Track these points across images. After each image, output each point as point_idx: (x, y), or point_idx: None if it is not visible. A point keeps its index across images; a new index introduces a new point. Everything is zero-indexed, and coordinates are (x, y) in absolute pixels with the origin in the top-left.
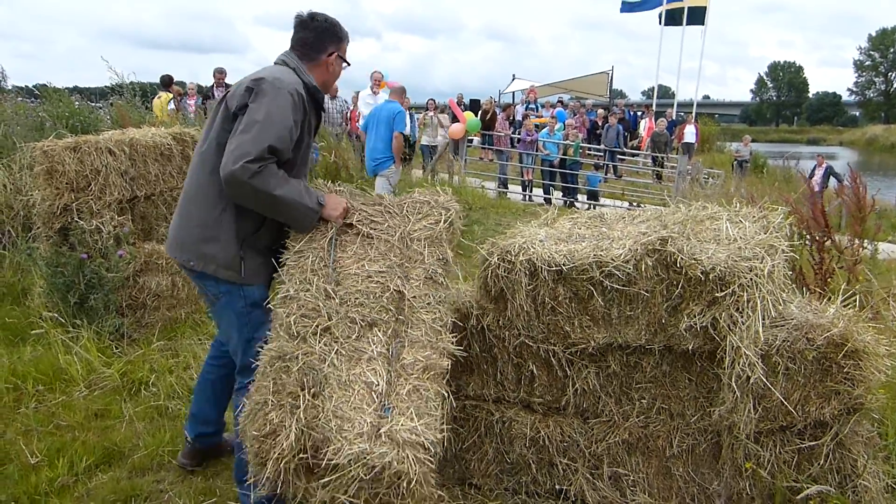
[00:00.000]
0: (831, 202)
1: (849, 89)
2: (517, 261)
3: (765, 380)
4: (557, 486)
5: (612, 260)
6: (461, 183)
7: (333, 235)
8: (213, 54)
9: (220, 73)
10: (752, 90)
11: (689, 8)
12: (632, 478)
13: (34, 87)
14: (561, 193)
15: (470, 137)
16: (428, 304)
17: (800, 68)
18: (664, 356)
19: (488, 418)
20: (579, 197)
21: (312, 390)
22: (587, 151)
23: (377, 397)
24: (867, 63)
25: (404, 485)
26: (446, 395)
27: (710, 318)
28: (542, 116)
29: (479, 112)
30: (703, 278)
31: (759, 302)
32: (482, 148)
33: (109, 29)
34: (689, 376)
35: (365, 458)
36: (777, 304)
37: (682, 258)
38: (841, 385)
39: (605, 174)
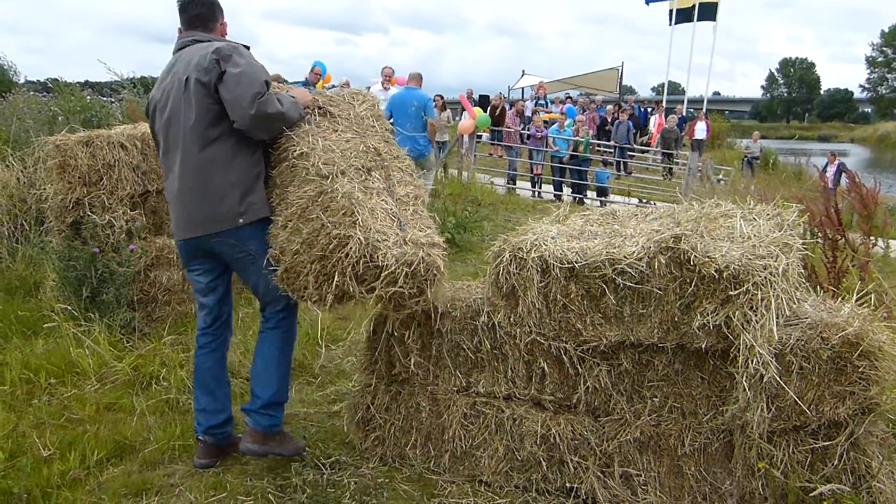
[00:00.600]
0: (843, 200)
1: (861, 86)
2: (529, 258)
3: (778, 379)
4: (568, 484)
5: (625, 257)
6: (470, 179)
7: (311, 117)
8: None
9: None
10: (762, 86)
11: (700, 4)
12: (643, 476)
13: (46, 81)
14: (570, 190)
15: (479, 133)
16: (395, 155)
17: (811, 64)
18: (677, 354)
19: (499, 415)
20: (588, 193)
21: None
22: (596, 148)
23: (394, 218)
24: (879, 59)
25: (434, 272)
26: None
27: (724, 316)
28: (551, 112)
29: (489, 108)
30: (716, 276)
31: (773, 300)
32: (491, 144)
33: (117, 23)
34: (702, 375)
35: (405, 257)
36: (791, 303)
37: (695, 256)
38: (856, 385)
39: (617, 171)
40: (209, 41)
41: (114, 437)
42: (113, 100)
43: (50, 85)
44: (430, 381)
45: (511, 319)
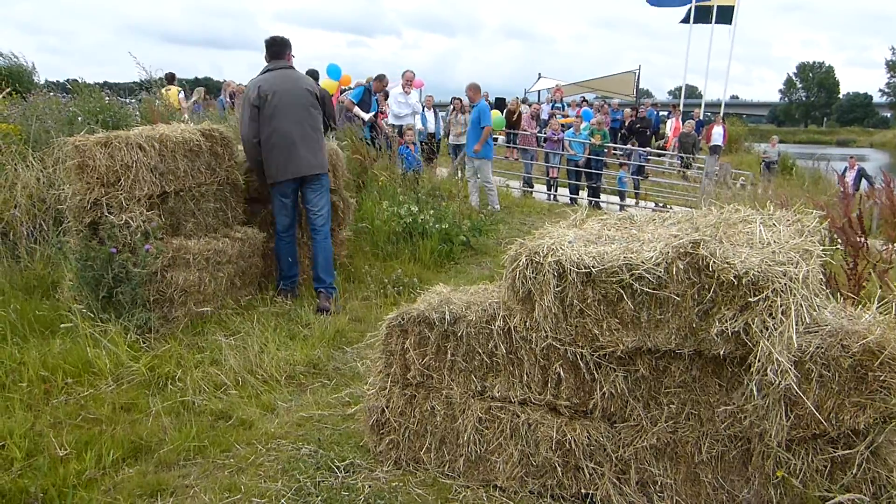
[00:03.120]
0: (863, 205)
1: (880, 90)
2: (545, 262)
3: (796, 388)
4: (583, 490)
5: (643, 263)
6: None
7: None
8: (235, 50)
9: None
10: (780, 90)
11: (718, 6)
12: (659, 483)
13: (66, 82)
14: (586, 193)
15: (495, 136)
16: None
17: (830, 68)
18: (694, 361)
19: (514, 420)
20: (602, 196)
21: None
22: (612, 151)
23: None
24: None
25: None
26: None
27: (743, 323)
28: (568, 116)
29: (505, 111)
30: (735, 282)
31: (792, 307)
32: (507, 147)
33: (132, 24)
34: (720, 382)
35: None
36: (811, 310)
37: (714, 262)
38: (876, 394)
39: (635, 175)
40: (293, 68)
41: (129, 437)
42: (131, 101)
43: (69, 86)
44: (446, 385)
45: (527, 324)
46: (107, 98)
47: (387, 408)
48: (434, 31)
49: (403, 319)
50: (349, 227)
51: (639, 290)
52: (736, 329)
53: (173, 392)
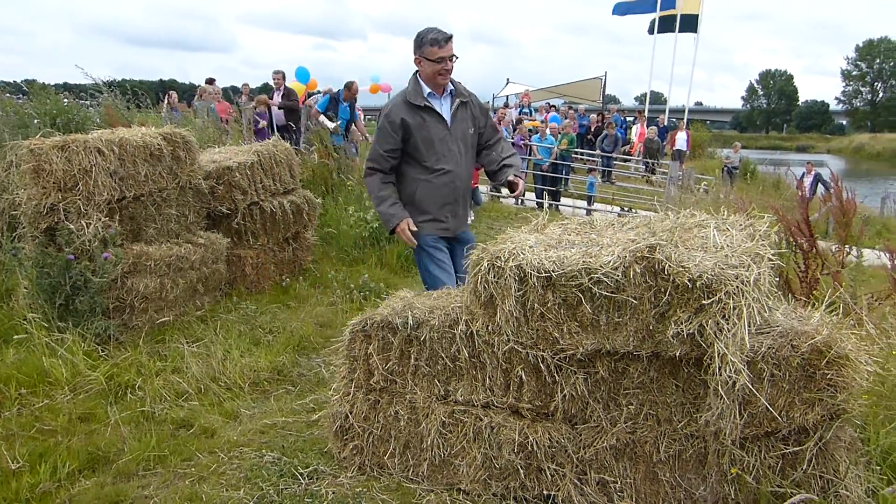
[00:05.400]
0: (819, 209)
1: (836, 98)
2: (507, 266)
3: (750, 386)
4: (545, 492)
5: (601, 267)
6: None
7: None
8: (201, 52)
9: (277, 75)
10: (742, 97)
11: (681, 15)
12: (619, 483)
13: (22, 83)
14: (548, 196)
15: None
16: None
17: (790, 76)
18: (652, 362)
19: (477, 424)
20: (570, 201)
21: None
22: (579, 156)
23: None
24: (854, 73)
25: None
26: None
27: (697, 325)
28: (535, 121)
29: None
30: (690, 286)
31: (745, 309)
32: None
33: (94, 25)
34: (677, 382)
35: None
36: (763, 312)
37: (669, 266)
38: (824, 391)
39: (602, 178)
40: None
41: (87, 448)
42: (91, 104)
43: (25, 87)
44: (409, 389)
45: (489, 328)
46: (65, 100)
47: (350, 413)
48: (401, 34)
49: (367, 325)
50: (315, 233)
51: (597, 294)
52: (691, 331)
53: (133, 401)
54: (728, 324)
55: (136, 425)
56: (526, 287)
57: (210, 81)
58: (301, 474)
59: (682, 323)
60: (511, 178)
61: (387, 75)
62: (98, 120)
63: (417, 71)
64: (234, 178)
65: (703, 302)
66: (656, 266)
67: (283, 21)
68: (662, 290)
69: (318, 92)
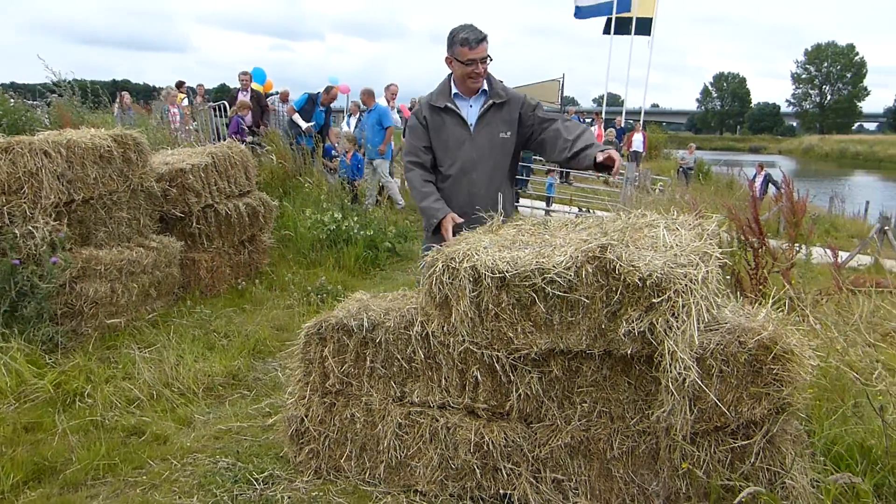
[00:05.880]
0: (770, 209)
1: (787, 100)
2: (461, 267)
3: (700, 382)
4: (502, 491)
5: (554, 267)
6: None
7: None
8: (156, 52)
9: (244, 76)
10: (697, 99)
11: (636, 18)
12: (574, 481)
13: None
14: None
15: None
16: None
17: (743, 79)
18: (604, 361)
19: (433, 424)
20: (528, 202)
21: None
22: (538, 158)
23: None
24: (804, 76)
25: None
26: None
27: (648, 322)
28: None
29: None
30: (640, 284)
31: (693, 307)
32: None
33: (44, 22)
34: (629, 380)
35: None
36: (711, 309)
37: (620, 265)
38: (770, 386)
39: (560, 179)
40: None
41: (32, 458)
42: (39, 104)
43: None
44: (365, 391)
45: (444, 329)
46: (11, 101)
47: (306, 417)
48: (358, 35)
49: (322, 327)
50: (272, 236)
51: (551, 294)
52: (642, 329)
53: (82, 409)
54: (677, 321)
55: (85, 434)
56: (480, 288)
57: (179, 85)
58: (256, 479)
59: (633, 321)
60: (599, 157)
61: (345, 76)
62: (48, 121)
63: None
64: (188, 180)
65: (654, 300)
66: (608, 265)
67: (240, 21)
68: (614, 289)
69: (276, 93)
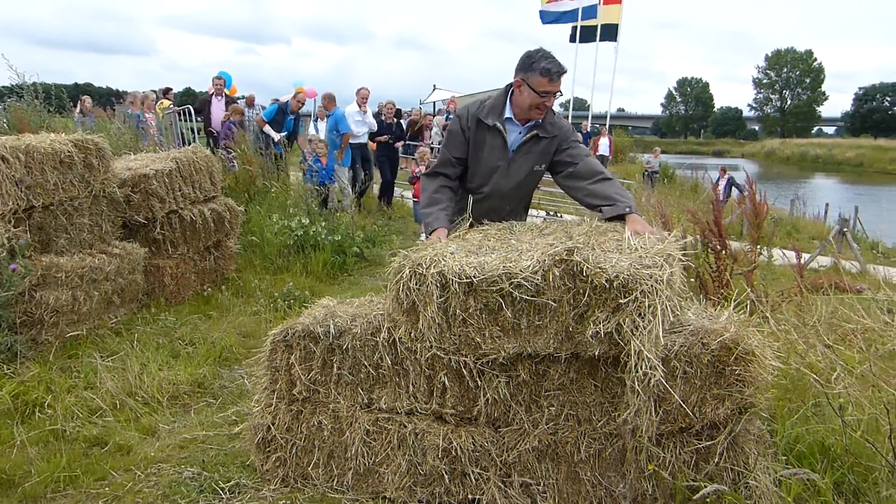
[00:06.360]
0: (733, 212)
1: (749, 105)
2: (428, 273)
3: (664, 382)
4: (470, 496)
5: (521, 271)
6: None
7: None
8: (118, 55)
9: (219, 81)
10: (662, 104)
11: (602, 25)
12: (542, 485)
13: None
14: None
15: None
16: None
17: (706, 84)
18: (571, 364)
19: (401, 430)
20: None
21: None
22: None
23: None
24: (764, 81)
25: None
26: None
27: (615, 323)
28: None
29: (408, 122)
30: (607, 286)
31: (659, 307)
32: (405, 157)
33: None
34: (595, 382)
35: None
36: (675, 310)
37: (587, 267)
38: (733, 386)
39: None
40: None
41: None
42: None
43: None
44: (332, 398)
45: (412, 335)
46: None
47: (273, 425)
48: (325, 39)
49: (288, 334)
50: (238, 241)
51: (518, 298)
52: (609, 330)
53: (42, 420)
54: (644, 321)
55: (45, 445)
56: (448, 293)
57: (166, 91)
58: (222, 489)
59: (600, 322)
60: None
61: (312, 80)
62: (6, 125)
63: (513, 88)
64: (151, 185)
65: (620, 301)
66: (575, 268)
67: (204, 24)
68: (581, 291)
69: (242, 97)
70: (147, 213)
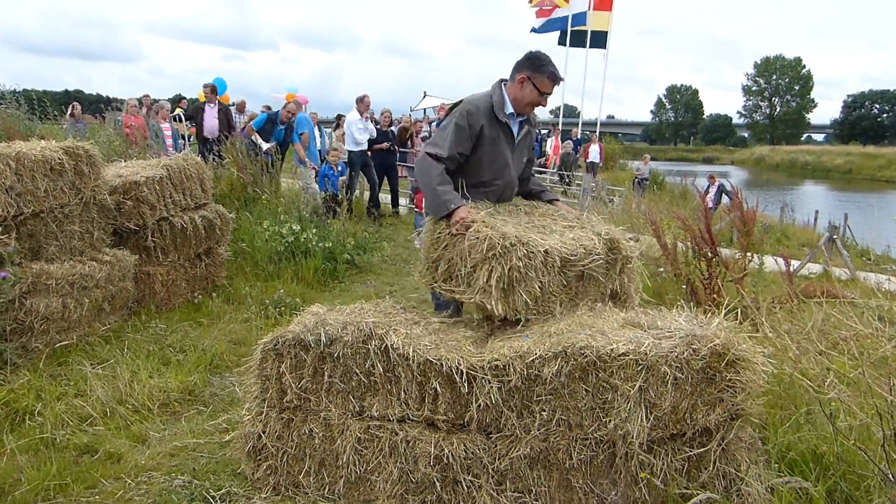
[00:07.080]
0: (723, 219)
1: (738, 112)
2: (537, 251)
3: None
4: None
5: (593, 249)
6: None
7: None
8: (104, 62)
9: (207, 87)
10: (651, 111)
11: (592, 32)
12: (534, 492)
13: None
14: None
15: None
16: None
17: (696, 91)
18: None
19: (393, 438)
20: None
21: None
22: None
23: None
24: (754, 88)
25: None
26: None
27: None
28: None
29: (398, 129)
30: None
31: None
32: (398, 165)
33: None
34: (586, 387)
35: None
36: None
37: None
38: (724, 392)
39: None
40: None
41: None
42: None
43: None
44: (323, 407)
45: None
46: None
47: (263, 433)
48: (312, 45)
49: (278, 343)
50: (229, 248)
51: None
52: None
53: (32, 428)
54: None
55: (35, 453)
56: (548, 268)
57: (179, 100)
58: (213, 497)
59: (615, 280)
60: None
61: (299, 86)
62: None
63: (505, 83)
64: (142, 192)
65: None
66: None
67: (190, 31)
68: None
69: (233, 104)
70: (138, 221)
